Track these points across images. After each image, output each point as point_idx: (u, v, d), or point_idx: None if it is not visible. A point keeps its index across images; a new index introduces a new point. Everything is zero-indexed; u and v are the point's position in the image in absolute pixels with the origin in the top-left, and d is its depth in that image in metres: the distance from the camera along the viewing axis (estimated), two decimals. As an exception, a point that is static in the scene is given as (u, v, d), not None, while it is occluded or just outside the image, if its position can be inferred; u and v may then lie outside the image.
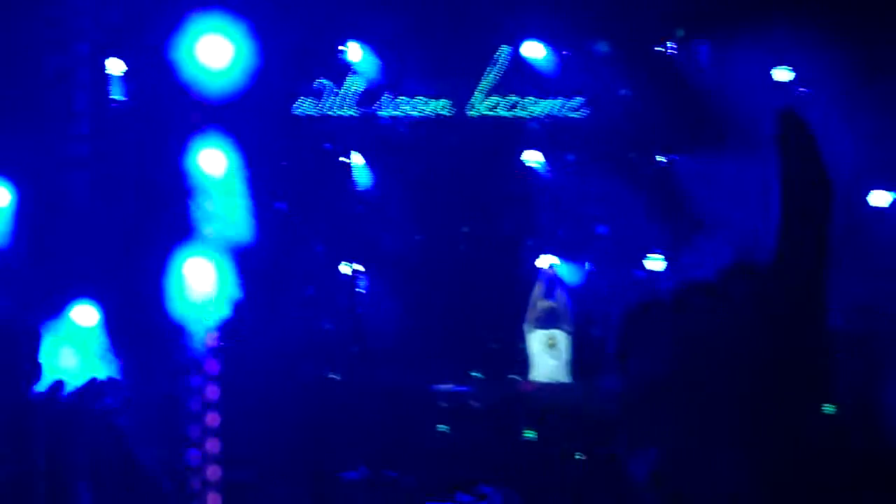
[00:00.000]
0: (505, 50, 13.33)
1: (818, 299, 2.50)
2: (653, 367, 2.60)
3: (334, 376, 12.52)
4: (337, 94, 13.26)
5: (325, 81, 13.23)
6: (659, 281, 13.23)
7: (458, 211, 13.78)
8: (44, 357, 4.93)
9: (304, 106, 13.24)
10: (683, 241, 12.62)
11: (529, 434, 11.60)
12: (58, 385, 4.79)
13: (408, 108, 13.41)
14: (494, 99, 13.45)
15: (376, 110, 13.39)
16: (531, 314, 12.40)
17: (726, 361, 2.52)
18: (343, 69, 13.31)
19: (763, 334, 2.49)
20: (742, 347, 2.51)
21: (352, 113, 13.32)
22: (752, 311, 2.51)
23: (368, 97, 13.40)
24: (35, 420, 4.79)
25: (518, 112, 13.50)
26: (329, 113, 13.29)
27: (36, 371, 4.82)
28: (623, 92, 13.40)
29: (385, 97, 13.37)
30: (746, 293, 2.54)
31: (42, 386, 4.90)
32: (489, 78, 13.32)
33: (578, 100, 13.46)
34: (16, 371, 4.74)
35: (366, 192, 13.60)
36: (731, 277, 2.58)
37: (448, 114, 13.38)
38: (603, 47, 13.23)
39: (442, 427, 12.30)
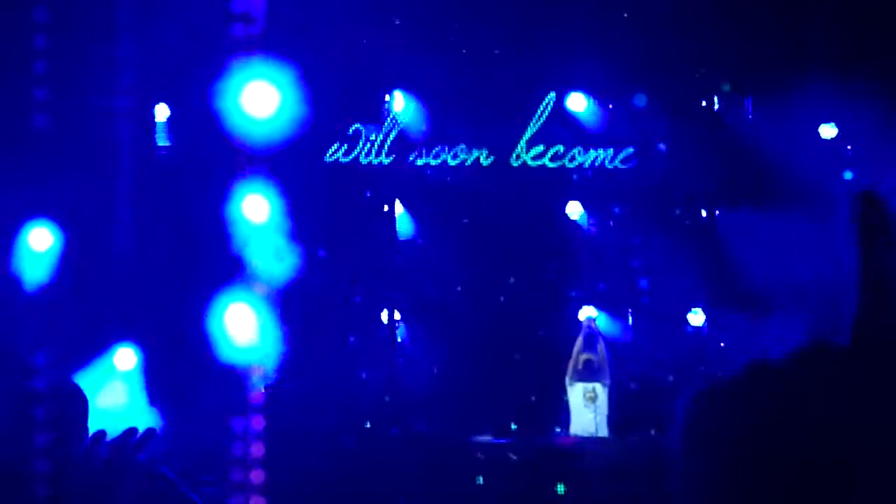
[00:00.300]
0: (551, 98, 13.34)
1: None
2: (722, 468, 2.47)
3: (367, 426, 12.45)
4: (379, 141, 13.30)
5: (361, 127, 13.27)
6: (702, 341, 13.15)
7: (499, 262, 13.73)
8: (90, 420, 4.91)
9: (341, 154, 13.26)
10: (725, 298, 12.57)
11: (561, 489, 11.50)
12: (98, 437, 4.77)
13: (449, 156, 13.42)
14: (539, 148, 13.44)
15: (419, 158, 13.41)
16: (571, 367, 12.35)
17: (807, 459, 2.40)
18: (387, 117, 13.35)
19: (846, 426, 2.38)
20: (826, 444, 2.39)
21: (391, 161, 13.34)
22: (832, 399, 2.41)
23: (411, 146, 13.43)
24: (76, 474, 4.77)
25: (564, 162, 13.49)
26: (371, 161, 13.32)
27: (82, 435, 4.81)
28: (668, 145, 13.36)
29: (428, 146, 13.39)
30: (824, 379, 2.44)
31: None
32: (534, 126, 13.32)
33: (626, 151, 13.44)
34: (62, 436, 4.73)
35: (407, 240, 13.59)
36: (805, 361, 2.48)
37: (489, 163, 13.38)
38: (642, 100, 13.20)
39: (478, 479, 12.21)
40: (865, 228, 2.51)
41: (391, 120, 13.34)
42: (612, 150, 13.51)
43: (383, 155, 13.29)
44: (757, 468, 2.36)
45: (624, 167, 13.47)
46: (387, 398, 12.80)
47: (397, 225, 13.45)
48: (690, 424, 2.45)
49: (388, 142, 13.33)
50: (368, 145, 13.30)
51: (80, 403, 4.82)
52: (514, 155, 13.41)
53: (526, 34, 13.18)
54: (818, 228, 12.27)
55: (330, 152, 13.24)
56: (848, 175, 13.07)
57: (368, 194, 13.51)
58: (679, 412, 2.48)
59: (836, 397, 2.36)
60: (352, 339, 13.36)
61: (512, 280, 13.74)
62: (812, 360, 2.42)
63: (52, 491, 4.52)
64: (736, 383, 2.44)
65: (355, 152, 13.29)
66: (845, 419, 2.35)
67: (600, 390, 12.24)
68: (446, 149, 13.40)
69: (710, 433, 2.41)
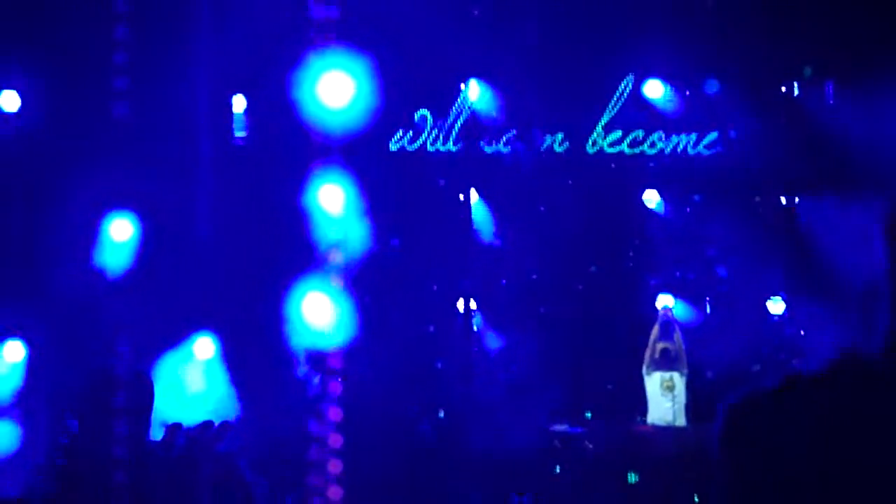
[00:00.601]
0: (629, 80, 13.24)
1: None
2: (762, 473, 2.45)
3: (441, 414, 12.46)
4: (447, 128, 13.28)
5: (427, 114, 13.26)
6: (781, 328, 12.99)
7: (575, 250, 13.66)
8: (157, 404, 4.97)
9: (406, 141, 13.25)
10: (805, 286, 12.40)
11: (632, 478, 11.43)
12: (175, 428, 4.82)
13: (523, 142, 13.38)
14: (617, 133, 13.35)
15: (489, 146, 13.37)
16: (648, 356, 12.27)
17: (847, 465, 2.37)
18: (462, 106, 13.33)
19: (879, 437, 2.35)
20: (862, 451, 2.36)
21: (465, 149, 13.31)
22: (865, 407, 2.38)
23: (484, 133, 13.40)
24: (155, 464, 4.83)
25: (643, 148, 13.38)
26: (439, 148, 13.30)
27: (148, 420, 4.88)
28: (746, 132, 13.21)
29: (501, 133, 13.36)
30: (859, 387, 2.41)
31: (160, 430, 4.94)
32: (611, 110, 13.23)
33: (710, 137, 13.31)
34: (135, 422, 4.81)
35: (483, 229, 13.57)
36: (840, 370, 2.45)
37: (563, 149, 13.31)
38: (719, 87, 13.05)
39: (556, 468, 12.19)
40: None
41: (459, 105, 13.30)
42: (694, 135, 13.37)
43: (451, 142, 13.27)
44: (789, 478, 2.34)
45: (706, 153, 13.34)
46: (462, 387, 12.79)
47: (473, 213, 13.42)
48: (728, 432, 2.44)
49: (457, 128, 13.31)
50: (436, 132, 13.28)
51: (147, 391, 4.88)
52: (590, 141, 13.33)
53: (602, 21, 13.09)
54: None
55: (395, 139, 13.24)
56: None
57: (442, 182, 13.48)
58: (719, 418, 2.48)
59: (867, 409, 2.34)
60: (428, 328, 13.38)
61: (590, 269, 13.67)
62: (844, 373, 2.39)
63: (130, 477, 4.58)
64: (772, 394, 2.42)
65: (421, 139, 13.28)
66: (878, 431, 2.32)
67: (678, 379, 12.14)
68: (518, 134, 13.35)
69: (745, 442, 2.40)
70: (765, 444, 2.36)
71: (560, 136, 13.37)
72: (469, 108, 13.37)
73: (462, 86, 13.34)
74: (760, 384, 2.45)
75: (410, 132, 13.32)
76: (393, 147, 13.24)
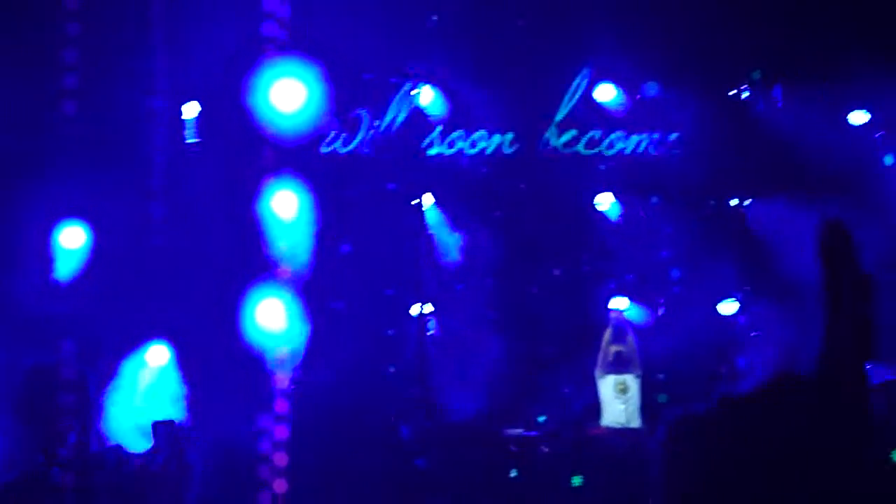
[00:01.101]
0: (584, 75, 13.28)
1: (865, 405, 2.44)
2: (695, 488, 2.50)
3: (397, 418, 12.44)
4: (389, 130, 13.26)
5: (364, 113, 13.21)
6: (734, 330, 13.06)
7: (530, 253, 13.69)
8: (91, 405, 4.93)
9: (339, 143, 13.19)
10: (758, 287, 12.50)
11: (577, 480, 11.46)
12: (117, 450, 4.80)
13: (467, 145, 13.39)
14: (570, 133, 13.40)
15: (447, 149, 13.38)
16: (602, 359, 12.31)
17: (773, 479, 2.42)
18: (414, 110, 13.34)
19: (812, 445, 2.40)
20: (791, 462, 2.41)
21: (416, 152, 13.32)
22: (798, 422, 2.42)
23: (438, 137, 13.42)
24: (100, 484, 4.79)
25: (599, 150, 13.43)
26: (365, 151, 13.28)
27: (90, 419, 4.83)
28: (696, 135, 13.29)
29: (456, 135, 13.38)
30: (791, 404, 2.46)
31: (104, 451, 4.89)
32: (566, 107, 13.26)
33: (661, 139, 13.38)
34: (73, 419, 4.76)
35: (436, 233, 13.56)
36: (773, 389, 2.50)
37: (512, 150, 13.34)
38: (669, 90, 13.13)
39: (512, 472, 12.20)
40: (830, 253, 2.53)
41: (398, 104, 13.30)
42: (645, 137, 13.46)
43: (397, 144, 13.23)
44: (719, 492, 2.39)
45: (656, 155, 13.41)
46: (415, 392, 12.76)
47: (427, 217, 13.42)
48: (666, 448, 2.49)
49: (395, 127, 13.30)
50: (372, 132, 13.26)
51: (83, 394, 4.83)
52: (543, 140, 13.36)
53: (554, 24, 13.15)
54: (848, 215, 12.22)
55: (327, 140, 13.16)
56: (889, 160, 12.97)
57: (393, 187, 13.46)
58: (659, 434, 2.52)
59: (797, 427, 2.38)
60: (382, 332, 13.37)
61: (543, 272, 13.70)
62: (777, 392, 2.44)
63: (71, 477, 4.55)
64: (707, 413, 2.47)
65: (357, 140, 13.23)
66: (807, 447, 2.37)
67: (631, 382, 12.19)
68: (467, 135, 13.38)
69: (681, 458, 2.45)
70: (699, 460, 2.39)
71: (510, 136, 13.40)
72: (411, 107, 13.35)
73: (415, 90, 13.32)
74: (697, 403, 2.49)
75: (344, 134, 13.27)
76: (325, 149, 13.16)
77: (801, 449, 2.43)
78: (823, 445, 2.41)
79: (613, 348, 12.29)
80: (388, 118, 13.27)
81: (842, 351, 2.49)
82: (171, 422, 6.24)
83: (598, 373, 12.32)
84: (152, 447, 4.85)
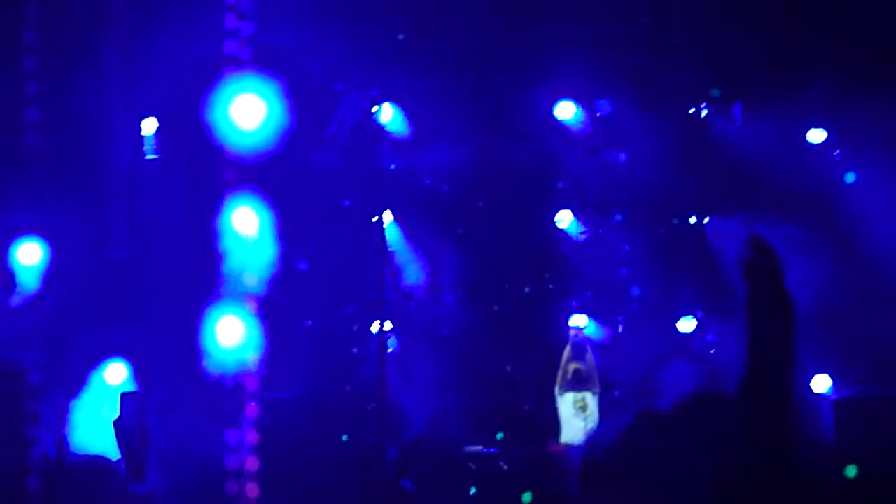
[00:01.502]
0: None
1: (790, 422, 2.45)
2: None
3: (345, 437, 12.41)
4: (335, 141, 13.21)
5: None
6: (692, 347, 13.10)
7: (490, 271, 13.70)
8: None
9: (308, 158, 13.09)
10: (715, 304, 12.55)
11: (526, 498, 11.45)
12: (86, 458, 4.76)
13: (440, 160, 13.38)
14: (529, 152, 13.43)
15: (406, 166, 13.38)
16: (561, 377, 12.33)
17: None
18: (374, 128, 13.32)
19: (727, 466, 2.42)
20: (705, 478, 2.43)
21: (376, 168, 13.29)
22: (715, 439, 2.44)
23: (400, 153, 13.42)
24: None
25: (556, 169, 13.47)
26: (344, 167, 13.25)
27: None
28: (655, 153, 13.32)
29: (413, 152, 13.37)
30: (707, 424, 2.48)
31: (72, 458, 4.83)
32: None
33: (620, 157, 13.43)
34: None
35: (396, 251, 13.55)
36: (690, 409, 2.52)
37: (470, 167, 13.33)
38: (629, 108, 13.16)
39: (472, 489, 12.19)
40: (751, 271, 2.54)
41: (378, 130, 13.29)
42: (605, 155, 13.49)
43: (347, 158, 13.17)
44: None
45: (616, 173, 13.44)
46: (370, 408, 12.73)
47: (386, 234, 13.40)
48: (586, 467, 2.52)
49: (339, 138, 13.27)
50: (330, 146, 13.21)
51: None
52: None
53: (515, 42, 13.19)
54: (806, 233, 12.29)
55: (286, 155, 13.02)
56: (850, 177, 13.03)
57: (352, 203, 13.43)
58: (578, 456, 2.57)
59: (714, 444, 2.40)
60: (343, 349, 13.34)
61: (503, 288, 13.70)
62: (694, 410, 2.46)
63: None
64: (624, 432, 2.50)
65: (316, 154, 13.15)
66: (723, 463, 2.38)
67: (590, 399, 12.21)
68: (430, 154, 13.38)
69: (601, 477, 2.47)
70: (619, 478, 2.42)
71: (469, 152, 13.41)
72: (387, 130, 13.34)
73: (375, 108, 13.28)
74: (618, 421, 2.51)
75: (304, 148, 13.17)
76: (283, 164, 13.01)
77: (717, 465, 2.45)
78: (739, 461, 2.43)
79: (573, 366, 12.31)
80: (335, 126, 13.18)
81: (761, 368, 2.50)
82: (138, 393, 6.12)
83: (557, 390, 12.33)
84: (117, 418, 4.80)
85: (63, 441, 4.76)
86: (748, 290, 2.61)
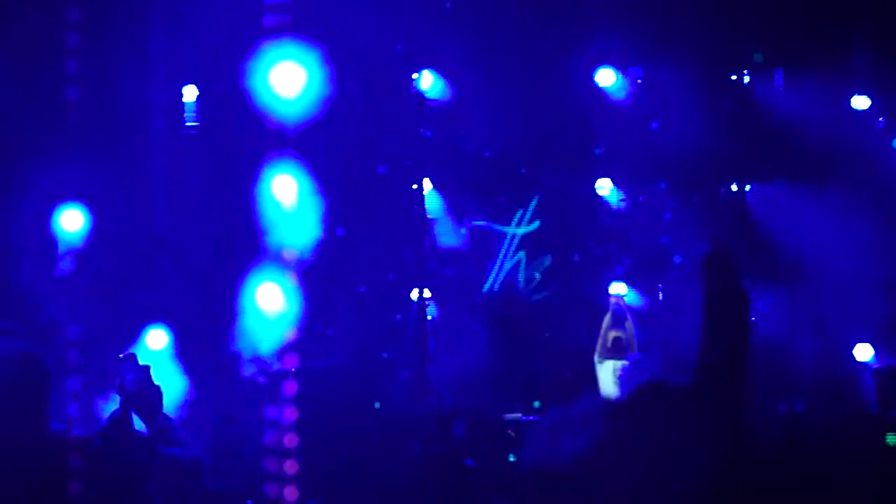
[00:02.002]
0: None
1: (739, 418, 2.49)
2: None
3: (377, 405, 12.39)
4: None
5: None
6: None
7: (532, 239, 13.69)
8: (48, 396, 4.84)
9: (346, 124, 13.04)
10: (756, 272, 12.47)
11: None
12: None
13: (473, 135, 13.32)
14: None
15: (446, 133, 13.34)
16: (600, 344, 12.29)
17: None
18: (416, 96, 13.30)
19: (680, 451, 2.44)
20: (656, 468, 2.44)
21: (418, 137, 13.26)
22: (666, 429, 2.46)
23: (440, 120, 13.39)
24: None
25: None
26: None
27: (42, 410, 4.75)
28: (697, 120, 13.24)
29: (454, 122, 13.33)
30: (662, 411, 2.51)
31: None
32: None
33: (662, 124, 13.36)
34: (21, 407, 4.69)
35: (435, 217, 13.55)
36: (640, 398, 2.55)
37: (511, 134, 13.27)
38: (670, 75, 13.07)
39: (510, 456, 12.20)
40: (710, 268, 2.59)
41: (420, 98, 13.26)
42: (646, 123, 13.43)
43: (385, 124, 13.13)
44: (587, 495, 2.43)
45: (657, 141, 13.37)
46: (408, 376, 12.75)
47: (426, 202, 13.40)
48: (542, 453, 2.53)
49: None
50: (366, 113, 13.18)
51: (36, 375, 4.75)
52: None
53: (555, 8, 13.11)
54: (849, 201, 12.22)
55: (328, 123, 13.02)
56: (896, 143, 12.97)
57: (387, 171, 13.38)
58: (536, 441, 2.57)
59: (666, 434, 2.41)
60: (384, 317, 13.35)
61: (545, 258, 13.69)
62: (646, 398, 2.50)
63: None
64: (584, 417, 2.52)
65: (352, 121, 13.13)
66: (674, 453, 2.40)
67: (630, 367, 12.20)
68: (472, 125, 13.32)
69: (555, 462, 2.50)
70: (568, 463, 2.43)
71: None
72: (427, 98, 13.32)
73: (414, 75, 13.29)
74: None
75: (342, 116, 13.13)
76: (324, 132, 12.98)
77: (669, 455, 2.49)
78: (690, 451, 2.46)
79: (612, 334, 12.27)
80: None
81: (716, 360, 2.56)
82: (132, 355, 6.04)
83: (596, 358, 12.30)
84: (119, 384, 4.76)
85: (107, 411, 4.78)
86: (706, 284, 2.70)
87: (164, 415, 4.95)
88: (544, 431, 2.58)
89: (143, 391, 4.83)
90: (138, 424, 4.78)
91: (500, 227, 13.59)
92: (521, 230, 13.59)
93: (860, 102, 12.97)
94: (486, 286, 13.66)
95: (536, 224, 13.58)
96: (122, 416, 4.67)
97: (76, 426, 4.88)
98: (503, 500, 10.83)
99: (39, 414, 4.64)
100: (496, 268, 13.63)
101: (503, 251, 13.64)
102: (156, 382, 4.99)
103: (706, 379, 2.48)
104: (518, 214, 13.64)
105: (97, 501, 4.51)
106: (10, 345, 5.09)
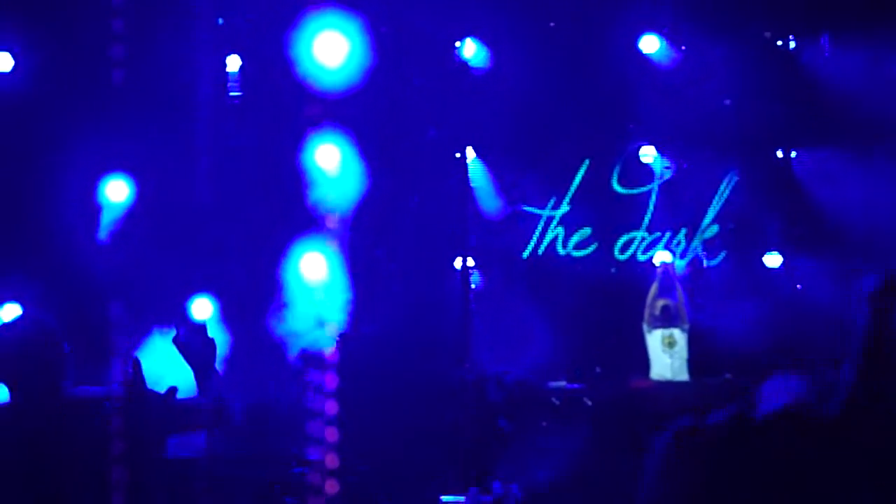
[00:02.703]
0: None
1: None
2: None
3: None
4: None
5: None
6: (778, 283, 12.97)
7: (576, 207, 13.66)
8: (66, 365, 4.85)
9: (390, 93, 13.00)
10: (803, 240, 12.42)
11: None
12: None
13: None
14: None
15: (489, 100, 13.27)
16: (648, 313, 12.27)
17: None
18: (459, 65, 13.25)
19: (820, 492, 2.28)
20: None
21: (461, 107, 13.20)
22: (810, 462, 2.30)
23: (482, 88, 13.34)
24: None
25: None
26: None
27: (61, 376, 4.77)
28: (742, 86, 13.14)
29: (496, 88, 13.27)
30: (808, 441, 2.33)
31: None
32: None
33: (707, 91, 13.26)
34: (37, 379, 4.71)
35: (479, 186, 13.52)
36: (784, 425, 2.37)
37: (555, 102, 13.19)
38: (715, 41, 12.96)
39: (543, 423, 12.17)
40: (882, 303, 2.39)
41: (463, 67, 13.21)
42: (690, 90, 13.33)
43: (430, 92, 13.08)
44: None
45: (701, 108, 13.27)
46: (451, 344, 12.72)
47: (470, 170, 13.38)
48: (664, 463, 2.36)
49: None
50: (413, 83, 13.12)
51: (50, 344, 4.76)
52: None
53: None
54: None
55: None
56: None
57: (433, 135, 13.34)
58: (660, 444, 2.40)
59: (812, 464, 2.26)
60: (426, 286, 13.34)
61: (588, 225, 13.64)
62: (791, 426, 2.32)
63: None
64: (717, 433, 2.35)
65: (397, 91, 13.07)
66: (816, 487, 2.25)
67: (678, 336, 12.17)
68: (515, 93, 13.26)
69: (683, 477, 2.32)
70: (703, 482, 2.26)
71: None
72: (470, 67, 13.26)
73: (457, 43, 13.24)
74: (707, 418, 2.37)
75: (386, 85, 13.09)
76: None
77: (815, 489, 2.31)
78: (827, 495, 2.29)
79: (660, 302, 12.25)
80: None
81: (872, 401, 2.35)
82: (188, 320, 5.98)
83: (645, 327, 12.29)
84: (175, 336, 4.73)
85: (140, 377, 4.76)
86: (875, 319, 2.44)
87: (216, 370, 5.01)
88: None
89: (199, 345, 4.89)
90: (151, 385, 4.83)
91: (535, 210, 13.54)
92: (558, 212, 13.55)
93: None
94: (527, 252, 13.63)
95: (566, 208, 13.51)
96: (134, 378, 4.71)
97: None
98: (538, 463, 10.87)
99: (51, 377, 4.68)
100: (537, 233, 13.58)
101: (542, 220, 13.60)
102: (210, 336, 5.07)
103: (858, 419, 2.28)
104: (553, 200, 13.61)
105: (111, 460, 4.55)
106: (21, 315, 5.18)
